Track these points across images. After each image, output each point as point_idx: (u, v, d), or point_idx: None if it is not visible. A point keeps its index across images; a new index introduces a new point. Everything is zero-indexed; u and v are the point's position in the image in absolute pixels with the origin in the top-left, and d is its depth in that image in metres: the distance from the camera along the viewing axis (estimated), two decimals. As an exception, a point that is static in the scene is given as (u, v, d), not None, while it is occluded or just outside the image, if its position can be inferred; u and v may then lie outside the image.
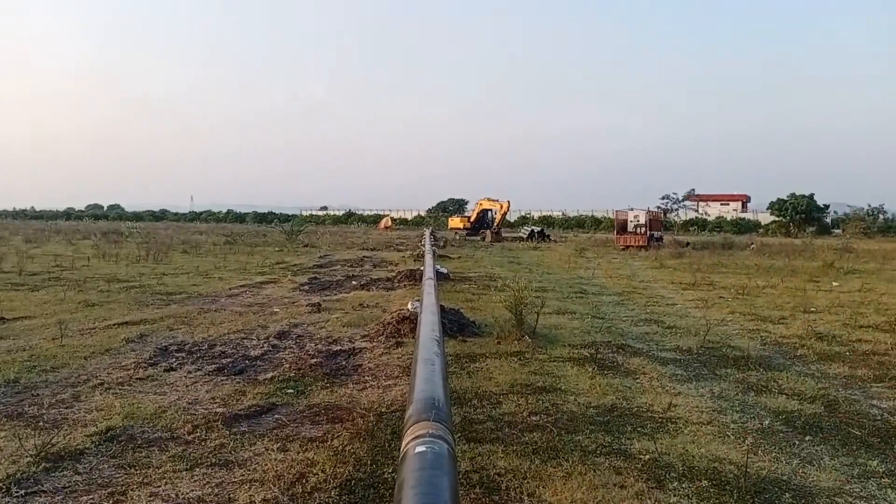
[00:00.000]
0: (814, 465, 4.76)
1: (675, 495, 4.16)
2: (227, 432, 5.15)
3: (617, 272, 20.46)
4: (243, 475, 4.36)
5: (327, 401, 6.04)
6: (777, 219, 66.12)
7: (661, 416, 5.77)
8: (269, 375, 6.93)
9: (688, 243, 35.52)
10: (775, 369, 7.59)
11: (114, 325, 9.78)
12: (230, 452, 4.77)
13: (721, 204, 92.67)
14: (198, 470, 4.45)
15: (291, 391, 6.36)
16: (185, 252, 26.06)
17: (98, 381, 6.63)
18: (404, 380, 6.73)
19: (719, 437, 5.27)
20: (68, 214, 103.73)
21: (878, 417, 5.88)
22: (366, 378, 6.91)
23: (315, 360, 7.70)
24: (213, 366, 7.38)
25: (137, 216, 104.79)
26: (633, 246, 32.53)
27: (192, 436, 5.06)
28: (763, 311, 12.18)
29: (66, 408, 5.78)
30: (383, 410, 5.70)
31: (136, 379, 6.75)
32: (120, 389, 6.36)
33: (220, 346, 8.54)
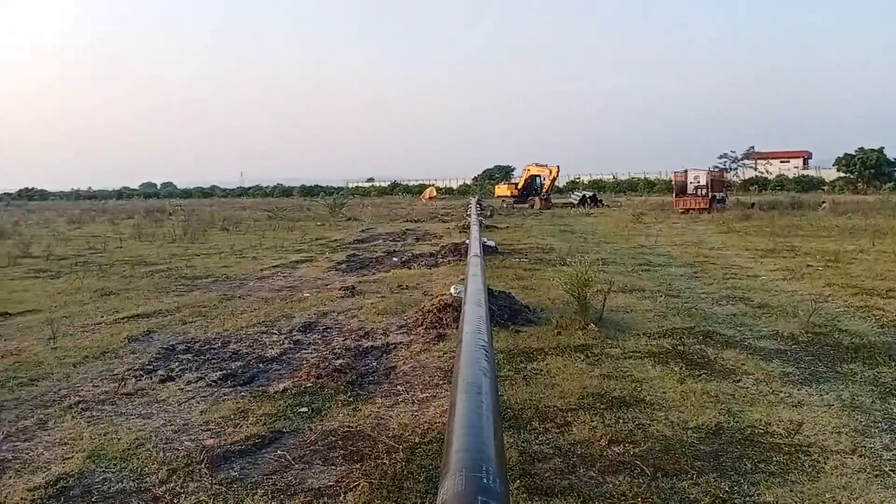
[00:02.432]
0: None
1: None
2: (211, 481, 3.91)
3: (682, 239, 18.72)
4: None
5: (347, 425, 4.76)
6: (844, 175, 62.37)
7: (786, 442, 4.31)
8: (281, 386, 5.69)
9: (753, 203, 33.23)
10: (911, 363, 6.01)
11: (123, 318, 8.70)
12: (208, 515, 3.53)
13: (781, 161, 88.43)
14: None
15: (305, 410, 5.10)
16: (223, 229, 25.22)
17: (77, 398, 5.49)
18: (444, 389, 5.42)
19: (877, 476, 3.80)
20: (120, 194, 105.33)
21: None
22: (398, 387, 5.60)
23: (341, 360, 6.44)
24: (220, 372, 6.18)
25: (188, 193, 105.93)
26: (694, 209, 30.50)
27: (163, 488, 3.84)
28: (864, 281, 10.44)
29: (25, 440, 4.64)
30: (416, 441, 4.39)
31: (123, 395, 5.58)
32: (98, 411, 5.19)
33: (235, 343, 7.36)
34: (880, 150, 59.46)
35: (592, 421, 4.67)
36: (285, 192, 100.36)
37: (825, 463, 3.98)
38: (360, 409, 5.06)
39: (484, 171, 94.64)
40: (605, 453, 4.16)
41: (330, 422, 4.84)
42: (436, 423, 4.72)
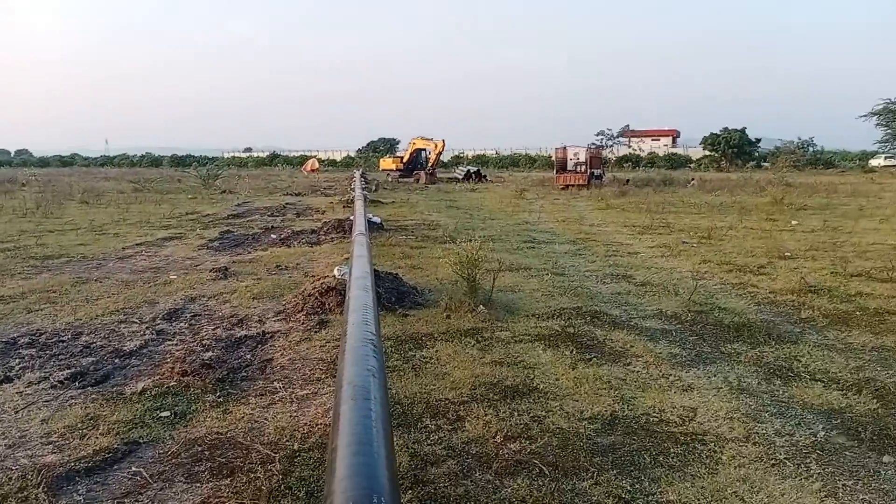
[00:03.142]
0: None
1: None
2: (46, 510, 3.30)
3: (563, 215, 19.00)
4: None
5: (216, 431, 4.22)
6: (709, 153, 66.24)
7: (681, 430, 4.21)
8: (140, 386, 5.03)
9: (628, 180, 34.49)
10: (787, 341, 6.17)
11: (-47, 307, 7.60)
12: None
13: (652, 140, 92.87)
14: None
15: (167, 414, 4.51)
16: (83, 202, 23.19)
17: None
18: (327, 384, 4.98)
19: (773, 465, 3.74)
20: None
21: (954, 415, 4.49)
22: (275, 384, 5.10)
23: (210, 353, 5.83)
24: (68, 370, 5.40)
25: (45, 162, 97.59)
26: (573, 185, 31.22)
27: (-17, 523, 3.20)
28: (736, 258, 10.87)
29: None
30: (296, 448, 3.93)
31: (-57, 403, 4.75)
32: None
33: (88, 334, 6.55)
34: (742, 131, 63.47)
35: (486, 415, 4.39)
36: (154, 161, 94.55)
37: (721, 453, 3.89)
38: (231, 412, 4.53)
39: (368, 144, 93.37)
40: (501, 452, 3.88)
41: (196, 428, 4.29)
42: (317, 424, 4.28)
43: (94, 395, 4.91)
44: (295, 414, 4.48)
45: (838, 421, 4.37)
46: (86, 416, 4.51)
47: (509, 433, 4.12)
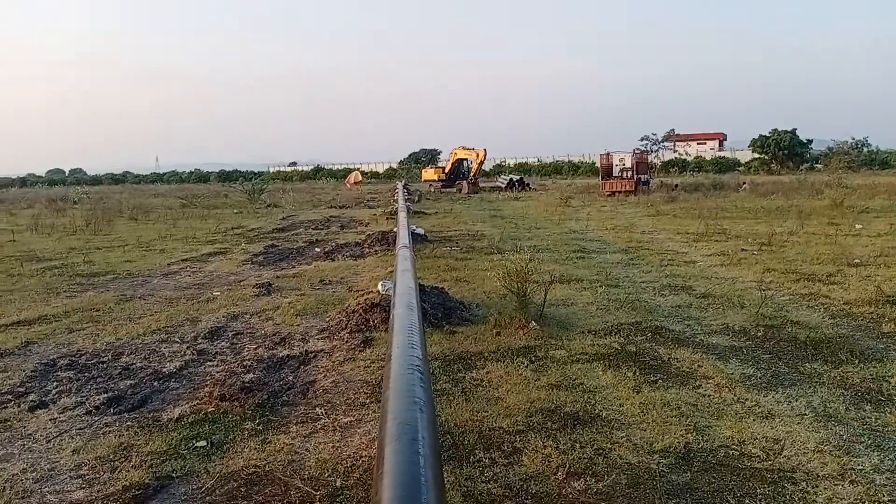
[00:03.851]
0: None
1: None
2: (68, 559, 3.03)
3: (612, 223, 18.43)
4: None
5: (254, 464, 3.93)
6: (759, 156, 64.38)
7: (766, 466, 3.74)
8: (177, 412, 4.79)
9: (676, 185, 33.60)
10: (872, 359, 5.61)
11: (-2, 327, 7.53)
12: None
13: (698, 143, 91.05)
14: None
15: (203, 444, 4.23)
16: (132, 219, 23.52)
17: (-85, 438, 4.46)
18: (372, 409, 4.66)
19: (877, 509, 3.27)
20: (23, 181, 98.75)
21: None
22: (317, 409, 4.79)
23: (251, 374, 5.57)
24: (105, 395, 5.21)
25: (97, 180, 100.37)
26: (620, 192, 30.46)
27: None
28: (802, 266, 10.22)
29: None
30: (338, 485, 3.61)
31: (-24, 431, 4.58)
32: (-62, 456, 4.19)
33: (128, 355, 6.37)
34: (793, 132, 61.46)
35: (545, 447, 4.00)
36: (202, 177, 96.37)
37: (816, 494, 3.43)
38: (271, 442, 4.23)
39: (410, 155, 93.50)
40: (564, 491, 3.49)
41: (233, 460, 4.00)
42: (362, 456, 3.95)
43: (129, 422, 4.69)
44: (338, 444, 4.16)
45: (947, 454, 3.85)
46: (119, 445, 4.27)
47: (572, 469, 3.72)
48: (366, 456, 3.92)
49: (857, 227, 15.26)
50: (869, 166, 54.73)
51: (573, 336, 6.50)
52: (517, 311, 6.93)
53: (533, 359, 5.77)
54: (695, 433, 4.19)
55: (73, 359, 6.29)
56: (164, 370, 5.87)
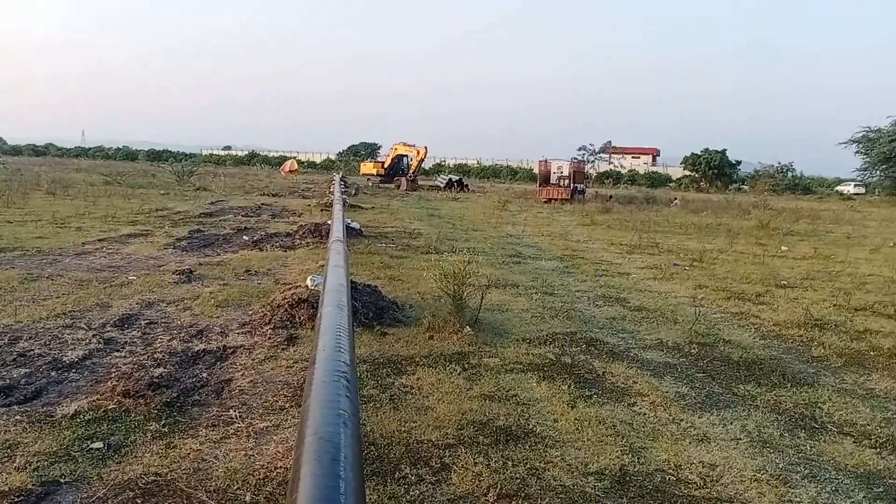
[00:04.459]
0: None
1: None
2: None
3: (548, 230, 18.45)
4: None
5: (154, 472, 3.53)
6: (690, 173, 66.34)
7: (705, 495, 3.60)
8: (74, 407, 4.33)
9: (611, 196, 34.19)
10: (804, 383, 5.61)
11: None
12: None
13: (633, 157, 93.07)
14: None
15: (99, 446, 3.80)
16: (50, 193, 22.17)
17: None
18: (292, 414, 4.32)
19: (814, 544, 3.16)
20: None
21: None
22: (232, 411, 4.41)
23: (161, 369, 5.14)
24: (-7, 384, 4.69)
25: (17, 150, 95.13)
26: (556, 199, 30.73)
27: None
28: (732, 284, 10.35)
29: None
30: (247, 500, 3.26)
31: None
32: None
33: (26, 340, 5.81)
34: (723, 152, 63.61)
35: (476, 464, 3.75)
36: (130, 155, 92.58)
37: (755, 525, 3.29)
38: (176, 446, 3.84)
39: (349, 147, 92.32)
40: (494, 515, 3.25)
41: (131, 466, 3.59)
42: (277, 467, 3.61)
43: (18, 416, 4.20)
44: (251, 453, 3.80)
45: (880, 489, 3.79)
46: (3, 442, 3.80)
47: (504, 489, 3.49)
48: (281, 467, 3.59)
49: (783, 248, 15.70)
50: (793, 191, 57.06)
51: (508, 343, 6.30)
52: (452, 314, 6.68)
53: (466, 366, 5.53)
54: (630, 455, 4.02)
55: (-38, 341, 5.69)
56: (65, 359, 5.36)
